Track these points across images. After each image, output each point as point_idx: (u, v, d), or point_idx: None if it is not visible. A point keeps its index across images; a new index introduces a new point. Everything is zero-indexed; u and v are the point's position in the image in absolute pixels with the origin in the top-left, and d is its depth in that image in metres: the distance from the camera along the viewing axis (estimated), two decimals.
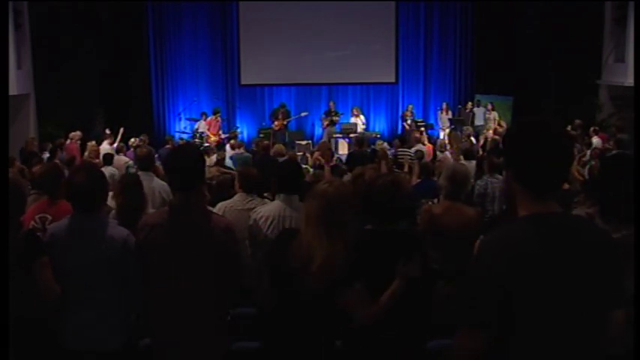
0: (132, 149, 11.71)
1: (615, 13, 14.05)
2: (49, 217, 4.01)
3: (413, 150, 10.52)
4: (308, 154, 12.74)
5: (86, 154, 10.77)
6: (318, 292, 2.68)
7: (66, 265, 3.01)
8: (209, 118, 15.21)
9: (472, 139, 13.01)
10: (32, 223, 4.00)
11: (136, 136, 12.86)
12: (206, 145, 13.81)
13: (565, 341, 1.86)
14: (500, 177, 6.60)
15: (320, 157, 8.95)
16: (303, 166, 9.26)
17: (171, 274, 2.90)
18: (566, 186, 5.07)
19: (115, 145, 12.20)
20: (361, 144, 10.19)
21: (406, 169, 8.93)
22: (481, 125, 15.01)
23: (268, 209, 3.88)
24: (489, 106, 15.34)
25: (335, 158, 10.45)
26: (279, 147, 10.10)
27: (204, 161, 3.13)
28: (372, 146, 11.74)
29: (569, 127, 12.12)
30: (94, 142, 11.23)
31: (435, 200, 5.94)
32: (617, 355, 2.10)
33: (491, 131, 13.51)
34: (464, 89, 16.90)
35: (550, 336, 1.84)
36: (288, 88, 16.87)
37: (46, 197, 4.27)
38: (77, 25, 14.30)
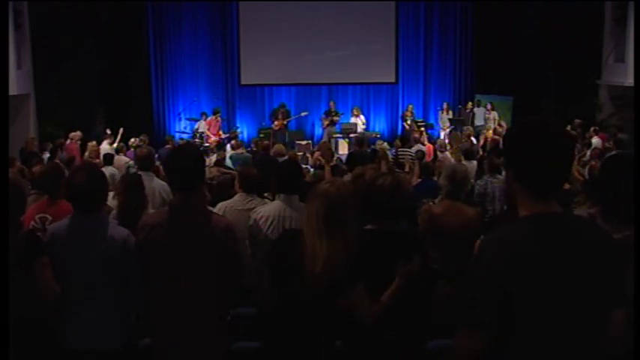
0: (132, 149, 11.71)
1: (615, 13, 14.05)
2: (49, 218, 4.01)
3: (413, 150, 10.52)
4: (308, 154, 12.75)
5: (87, 154, 10.78)
6: (318, 292, 2.68)
7: (66, 265, 3.01)
8: (209, 118, 15.21)
9: (472, 139, 13.01)
10: (32, 223, 4.01)
11: (136, 136, 12.86)
12: (206, 145, 13.82)
13: (565, 341, 1.85)
14: (500, 177, 6.61)
15: (320, 157, 8.95)
16: (304, 166, 9.28)
17: (171, 274, 2.90)
18: (566, 186, 5.07)
19: (115, 145, 12.21)
20: (361, 144, 10.19)
21: (407, 169, 8.93)
22: (481, 125, 15.01)
23: (268, 209, 3.88)
24: (489, 106, 15.35)
25: (335, 158, 10.44)
26: (279, 147, 10.09)
27: (204, 161, 3.13)
28: (372, 146, 11.74)
29: (569, 127, 12.13)
30: (94, 143, 11.24)
31: (436, 200, 5.95)
32: (617, 355, 2.10)
33: (491, 131, 13.52)
34: (464, 89, 16.91)
35: (550, 336, 1.84)
36: (288, 88, 16.87)
37: (46, 197, 4.27)
38: (77, 25, 14.31)
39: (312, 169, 8.93)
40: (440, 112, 16.18)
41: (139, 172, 5.43)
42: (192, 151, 3.28)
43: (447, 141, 13.42)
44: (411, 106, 16.18)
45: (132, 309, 3.19)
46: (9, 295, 2.85)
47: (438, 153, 11.65)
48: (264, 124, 16.15)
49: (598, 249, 1.90)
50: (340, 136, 14.96)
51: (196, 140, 14.24)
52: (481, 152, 11.17)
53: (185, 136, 15.08)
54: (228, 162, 10.35)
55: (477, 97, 16.07)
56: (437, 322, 3.04)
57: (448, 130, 15.25)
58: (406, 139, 12.08)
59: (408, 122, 15.74)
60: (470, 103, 15.92)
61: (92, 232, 3.04)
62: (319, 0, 16.00)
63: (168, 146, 11.89)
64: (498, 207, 6.47)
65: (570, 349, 1.87)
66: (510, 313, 1.83)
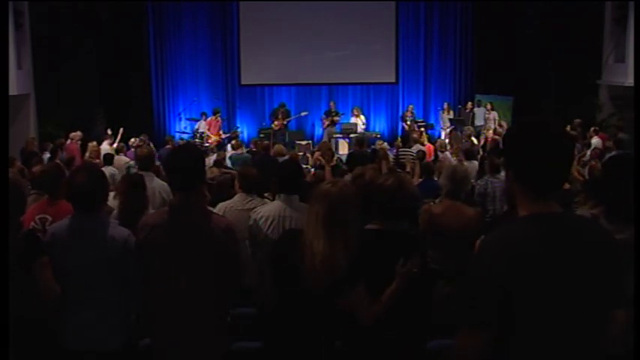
0: (132, 149, 11.71)
1: (615, 13, 14.04)
2: (49, 218, 4.01)
3: (414, 150, 10.52)
4: (308, 154, 12.74)
5: (87, 154, 10.77)
6: (318, 291, 2.68)
7: (66, 265, 3.01)
8: (209, 119, 15.22)
9: (473, 139, 13.01)
10: (32, 223, 4.00)
11: (136, 136, 12.86)
12: (206, 145, 13.82)
13: (565, 341, 1.85)
14: (500, 177, 6.61)
15: (320, 158, 8.94)
16: (304, 166, 9.28)
17: (172, 274, 2.90)
18: (566, 186, 5.07)
19: (115, 145, 12.20)
20: (361, 144, 10.19)
21: (408, 169, 8.93)
22: (481, 125, 15.02)
23: (268, 209, 3.87)
24: (489, 106, 15.36)
25: (335, 158, 10.44)
26: (279, 147, 10.10)
27: (204, 161, 3.13)
28: (372, 146, 11.74)
29: (569, 127, 12.13)
30: (94, 143, 11.23)
31: (437, 200, 5.95)
32: (617, 355, 2.10)
33: (491, 131, 13.52)
34: (464, 89, 16.91)
35: (550, 336, 1.84)
36: (288, 88, 16.88)
37: (46, 197, 4.27)
38: (77, 25, 14.32)
39: (312, 169, 8.93)
40: (441, 112, 16.18)
41: (140, 172, 5.43)
42: (193, 151, 3.27)
43: (447, 141, 13.42)
44: (411, 107, 16.19)
45: (132, 309, 3.18)
46: (9, 295, 2.85)
47: (439, 153, 11.65)
48: (264, 124, 16.16)
49: (598, 249, 1.89)
50: (340, 136, 14.96)
51: (196, 140, 14.24)
52: (481, 152, 11.17)
53: (185, 136, 15.09)
54: (228, 162, 10.35)
55: (477, 97, 16.07)
56: (437, 322, 3.04)
57: (449, 130, 15.26)
58: (407, 139, 12.09)
59: (408, 122, 15.74)
60: (470, 103, 15.92)
61: (92, 232, 3.04)
62: (319, 0, 16.00)
63: (169, 146, 11.89)
64: (499, 207, 6.48)
65: (570, 349, 1.87)
66: (510, 313, 1.83)
